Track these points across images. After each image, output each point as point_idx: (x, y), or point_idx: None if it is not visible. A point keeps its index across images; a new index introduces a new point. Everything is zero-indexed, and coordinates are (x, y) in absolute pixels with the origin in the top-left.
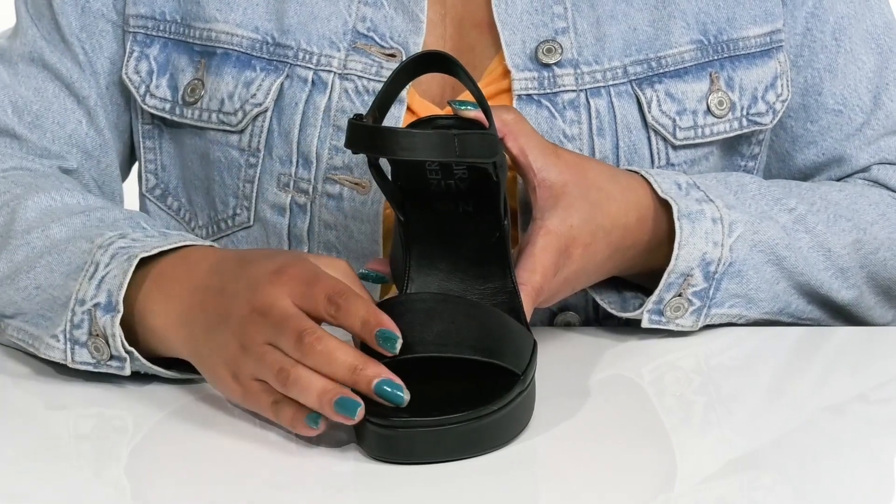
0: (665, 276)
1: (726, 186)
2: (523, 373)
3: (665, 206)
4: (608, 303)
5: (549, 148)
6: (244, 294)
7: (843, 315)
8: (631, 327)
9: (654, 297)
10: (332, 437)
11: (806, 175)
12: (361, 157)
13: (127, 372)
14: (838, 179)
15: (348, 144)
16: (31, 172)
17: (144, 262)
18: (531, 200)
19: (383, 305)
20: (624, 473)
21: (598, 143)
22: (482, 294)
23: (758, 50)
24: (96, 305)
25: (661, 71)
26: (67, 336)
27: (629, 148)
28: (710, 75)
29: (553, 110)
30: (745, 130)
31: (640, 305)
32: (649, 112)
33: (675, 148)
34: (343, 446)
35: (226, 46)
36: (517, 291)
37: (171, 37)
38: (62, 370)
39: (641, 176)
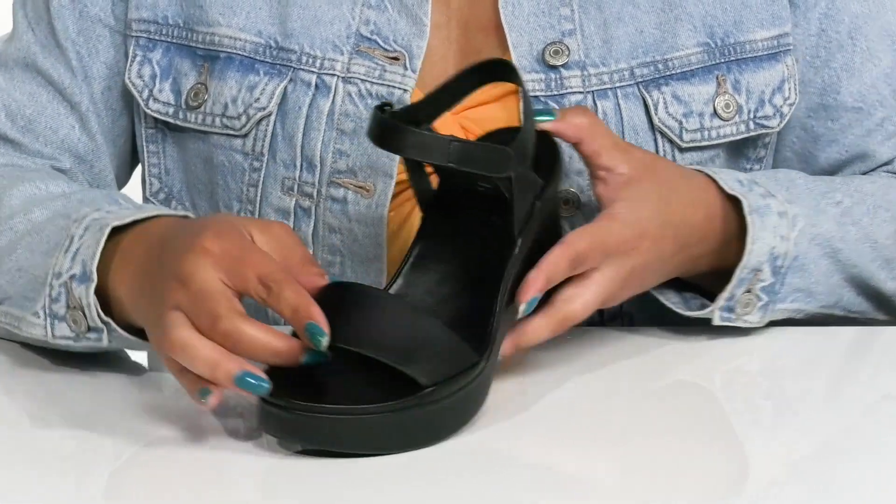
0: (737, 271)
1: (777, 182)
2: (434, 385)
3: (730, 203)
4: (672, 302)
5: (622, 145)
6: (170, 264)
7: (886, 307)
8: (685, 327)
9: (725, 294)
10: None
11: (831, 174)
12: (365, 161)
13: (105, 344)
14: (863, 174)
15: (367, 132)
16: (21, 168)
17: (117, 233)
18: (599, 197)
19: (324, 290)
20: (690, 475)
21: None
22: (461, 307)
23: (765, 53)
24: (72, 277)
25: (668, 73)
26: (47, 311)
27: None
28: (717, 78)
29: None
30: (752, 133)
31: (702, 305)
32: (656, 114)
33: (681, 150)
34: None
35: (229, 50)
36: (494, 312)
37: (174, 41)
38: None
39: (706, 175)
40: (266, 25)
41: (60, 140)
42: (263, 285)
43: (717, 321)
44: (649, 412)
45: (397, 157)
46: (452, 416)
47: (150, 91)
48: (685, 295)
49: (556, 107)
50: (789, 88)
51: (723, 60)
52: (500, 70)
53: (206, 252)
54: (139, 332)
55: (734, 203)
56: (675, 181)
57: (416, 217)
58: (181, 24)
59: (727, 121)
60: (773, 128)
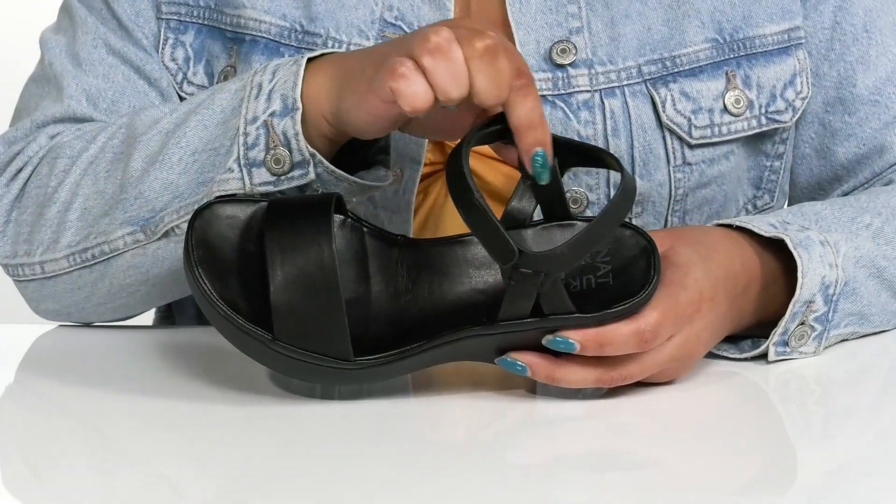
0: (791, 306)
1: (804, 216)
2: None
3: (763, 246)
4: (724, 350)
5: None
6: (410, 36)
7: None
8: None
9: (780, 329)
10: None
11: (849, 169)
12: (392, 146)
13: (311, 177)
14: (882, 172)
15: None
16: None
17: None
18: None
19: None
20: (735, 474)
21: (612, 143)
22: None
23: (775, 47)
24: (272, 114)
25: (676, 70)
26: (242, 162)
27: (644, 148)
28: (727, 73)
29: (567, 111)
30: (765, 128)
31: (753, 345)
32: (664, 111)
33: (691, 147)
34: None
35: (254, 33)
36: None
37: (205, 23)
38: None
39: (731, 227)
40: (290, 9)
41: None
42: (522, 75)
43: (772, 357)
44: (699, 409)
45: (425, 143)
46: None
47: (185, 74)
48: (734, 338)
49: None
50: (801, 82)
51: (732, 56)
52: (609, 161)
53: (475, 24)
54: (343, 167)
55: (768, 245)
56: (705, 238)
57: (442, 202)
58: (211, 6)
59: (738, 116)
60: (785, 122)
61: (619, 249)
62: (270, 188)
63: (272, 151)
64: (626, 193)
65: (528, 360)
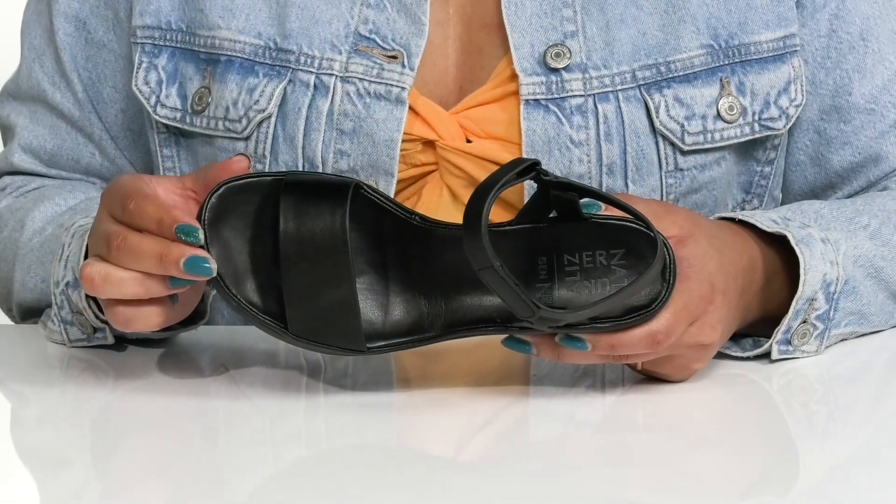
0: (794, 302)
1: (804, 214)
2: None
3: (765, 242)
4: (725, 348)
5: (662, 209)
6: None
7: None
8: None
9: (782, 327)
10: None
11: (843, 177)
12: (366, 160)
13: (111, 341)
14: (877, 180)
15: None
16: (49, 184)
17: None
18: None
19: None
20: (741, 473)
21: (605, 148)
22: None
23: (770, 55)
24: (67, 284)
25: (671, 76)
26: (59, 319)
27: (637, 153)
28: (721, 80)
29: (560, 115)
30: (758, 135)
31: (754, 344)
32: (657, 117)
33: (683, 153)
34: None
35: (229, 53)
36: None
37: (178, 46)
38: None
39: (737, 220)
40: (265, 27)
41: (84, 168)
42: (126, 208)
43: (775, 355)
44: (702, 409)
45: (397, 156)
46: None
47: (157, 97)
48: (735, 336)
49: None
50: (796, 90)
51: (727, 62)
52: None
53: (104, 200)
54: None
55: (771, 242)
56: (718, 231)
57: (436, 202)
58: (184, 29)
59: (731, 123)
60: (778, 130)
61: (636, 251)
62: (85, 344)
63: (77, 316)
64: (657, 266)
65: (533, 339)
